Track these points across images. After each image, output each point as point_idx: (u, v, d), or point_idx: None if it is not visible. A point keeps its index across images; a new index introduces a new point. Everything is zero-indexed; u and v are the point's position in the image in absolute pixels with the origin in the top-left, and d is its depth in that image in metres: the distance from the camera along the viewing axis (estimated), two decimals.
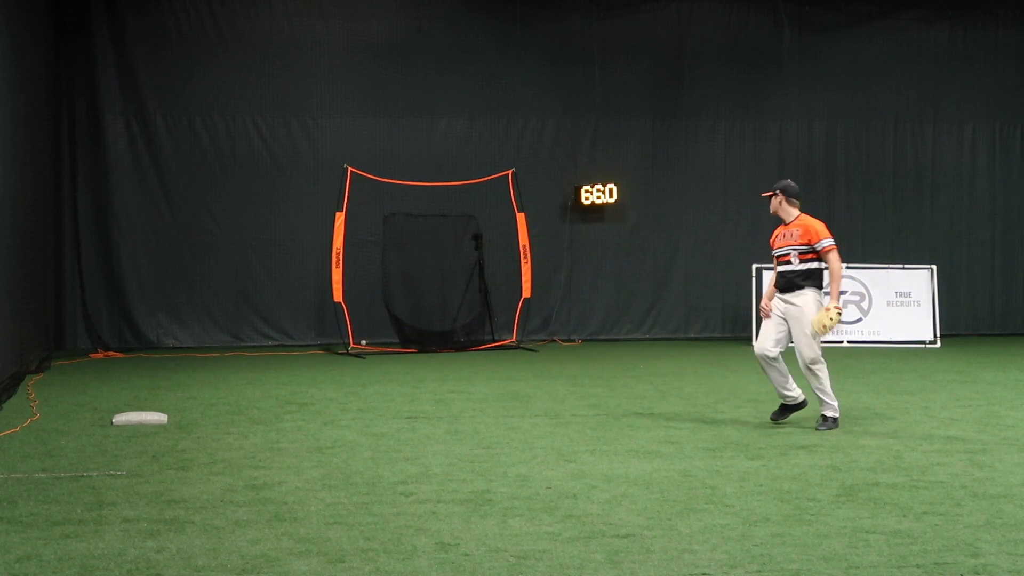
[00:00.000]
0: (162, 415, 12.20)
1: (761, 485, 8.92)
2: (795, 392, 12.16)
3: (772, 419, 12.30)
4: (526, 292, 21.09)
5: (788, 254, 12.13)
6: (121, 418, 12.00)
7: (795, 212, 12.26)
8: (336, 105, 21.86)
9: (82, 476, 9.25)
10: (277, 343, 21.53)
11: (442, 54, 22.16)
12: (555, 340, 22.20)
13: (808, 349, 12.03)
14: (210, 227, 21.44)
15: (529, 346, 21.11)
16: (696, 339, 22.89)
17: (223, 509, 8.11)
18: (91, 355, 19.72)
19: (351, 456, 10.17)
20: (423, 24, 22.05)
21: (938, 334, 21.73)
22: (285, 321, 21.72)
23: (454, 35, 22.26)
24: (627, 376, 16.68)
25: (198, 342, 21.29)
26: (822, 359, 12.05)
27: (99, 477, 9.20)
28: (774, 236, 12.42)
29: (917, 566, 6.75)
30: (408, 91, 22.06)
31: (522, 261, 20.95)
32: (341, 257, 19.96)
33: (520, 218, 21.02)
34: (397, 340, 21.26)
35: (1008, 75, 24.03)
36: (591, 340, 22.63)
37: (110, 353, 19.93)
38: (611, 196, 22.30)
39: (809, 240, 12.03)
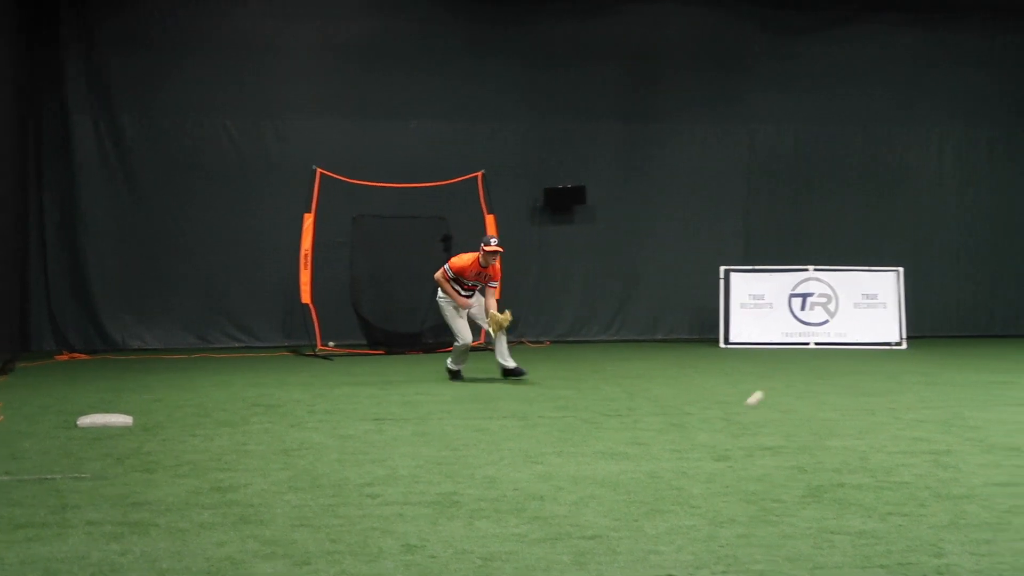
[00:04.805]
0: (127, 417, 12.15)
1: (727, 486, 8.94)
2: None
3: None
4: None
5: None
6: (86, 420, 11.94)
7: None
8: (306, 107, 21.83)
9: (46, 479, 9.20)
10: (244, 345, 21.47)
11: (413, 56, 22.14)
12: (523, 342, 22.19)
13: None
14: (177, 228, 21.36)
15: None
16: (664, 341, 22.93)
17: (188, 512, 8.08)
18: (56, 357, 19.64)
19: (318, 458, 10.14)
20: (397, 29, 22.07)
21: (904, 336, 21.83)
22: (252, 323, 21.67)
23: (425, 37, 22.24)
24: (595, 378, 16.70)
25: (164, 344, 21.21)
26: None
27: (63, 480, 9.15)
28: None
29: (881, 566, 6.77)
30: (378, 92, 22.04)
31: None
32: (309, 259, 19.91)
33: (489, 220, 21.01)
34: (365, 342, 21.24)
35: (975, 80, 24.16)
36: (559, 342, 22.65)
37: (75, 355, 19.85)
38: (581, 198, 22.36)
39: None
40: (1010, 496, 8.61)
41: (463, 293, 16.12)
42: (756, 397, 13.64)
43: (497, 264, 16.07)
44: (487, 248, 15.79)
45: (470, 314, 16.22)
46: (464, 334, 16.11)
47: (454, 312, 16.18)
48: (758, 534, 7.49)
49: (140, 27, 21.17)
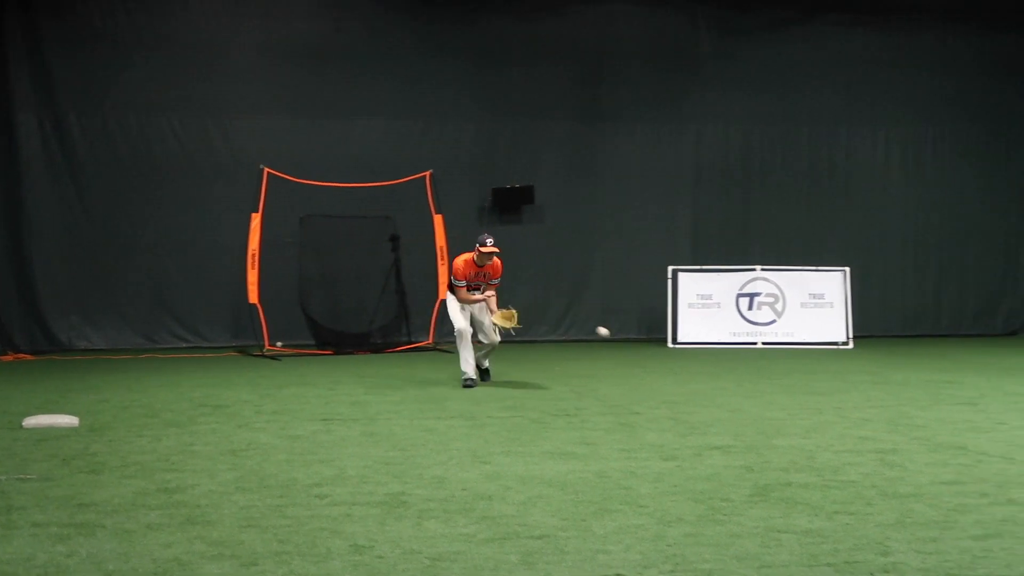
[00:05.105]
0: (73, 418, 12.06)
1: (675, 486, 8.97)
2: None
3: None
4: (443, 294, 20.99)
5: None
6: (31, 421, 11.84)
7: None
8: (253, 106, 21.70)
9: None
10: (192, 345, 21.35)
11: (361, 55, 22.07)
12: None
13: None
14: (124, 228, 21.20)
15: (445, 347, 21.06)
16: (613, 341, 22.93)
17: (135, 513, 8.03)
18: (1, 357, 19.47)
19: (265, 458, 10.11)
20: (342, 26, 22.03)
21: (851, 335, 21.96)
22: (200, 323, 21.54)
23: (372, 36, 22.18)
24: (543, 377, 16.74)
25: (111, 344, 21.05)
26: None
27: (8, 481, 9.08)
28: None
29: (828, 565, 6.81)
30: (326, 92, 21.96)
31: (439, 263, 20.92)
32: (257, 258, 19.82)
33: (437, 220, 20.98)
34: (313, 342, 21.18)
35: (922, 80, 24.32)
36: (507, 342, 22.52)
37: (21, 355, 19.69)
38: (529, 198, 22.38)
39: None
40: (956, 494, 8.69)
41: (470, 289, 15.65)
42: (603, 331, 14.85)
43: (497, 262, 15.62)
44: (482, 249, 15.29)
45: (473, 315, 15.77)
46: (458, 320, 15.64)
47: (458, 307, 15.74)
48: (706, 533, 7.52)
49: (86, 26, 21.00)
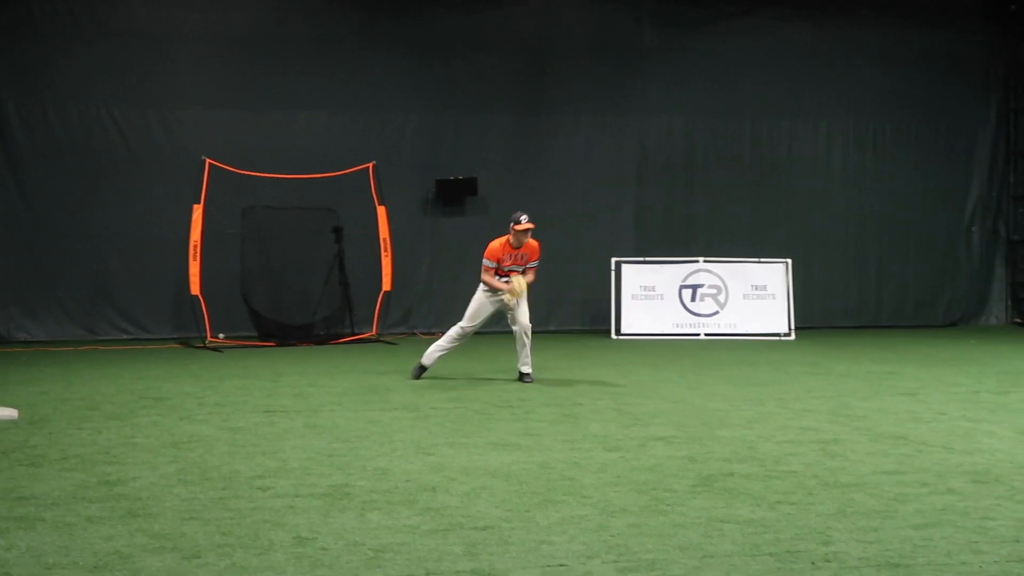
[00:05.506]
0: (12, 410, 11.95)
1: (619, 476, 9.00)
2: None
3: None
4: (386, 285, 21.03)
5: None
6: None
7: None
8: (195, 97, 21.52)
9: None
10: (133, 337, 21.17)
11: (304, 46, 21.94)
12: (415, 333, 22.12)
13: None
14: (64, 219, 20.99)
15: (389, 339, 21.05)
16: (557, 332, 22.98)
17: (75, 505, 7.97)
18: None
19: (208, 451, 10.06)
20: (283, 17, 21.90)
21: (793, 327, 22.09)
22: (141, 314, 21.36)
23: (316, 27, 22.07)
24: (487, 369, 16.72)
25: (51, 336, 20.85)
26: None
27: None
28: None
29: (770, 554, 6.85)
30: (268, 83, 21.82)
31: (382, 254, 20.88)
32: (199, 250, 19.71)
33: (381, 211, 20.94)
34: (256, 334, 21.08)
35: (863, 74, 24.46)
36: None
37: None
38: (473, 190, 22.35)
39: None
40: (896, 484, 8.76)
41: (502, 280, 15.03)
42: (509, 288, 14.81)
43: (534, 243, 14.96)
44: (517, 227, 14.68)
45: (502, 310, 15.26)
46: (470, 324, 15.22)
47: (484, 302, 15.14)
48: (649, 523, 7.54)
49: (24, 13, 20.76)
